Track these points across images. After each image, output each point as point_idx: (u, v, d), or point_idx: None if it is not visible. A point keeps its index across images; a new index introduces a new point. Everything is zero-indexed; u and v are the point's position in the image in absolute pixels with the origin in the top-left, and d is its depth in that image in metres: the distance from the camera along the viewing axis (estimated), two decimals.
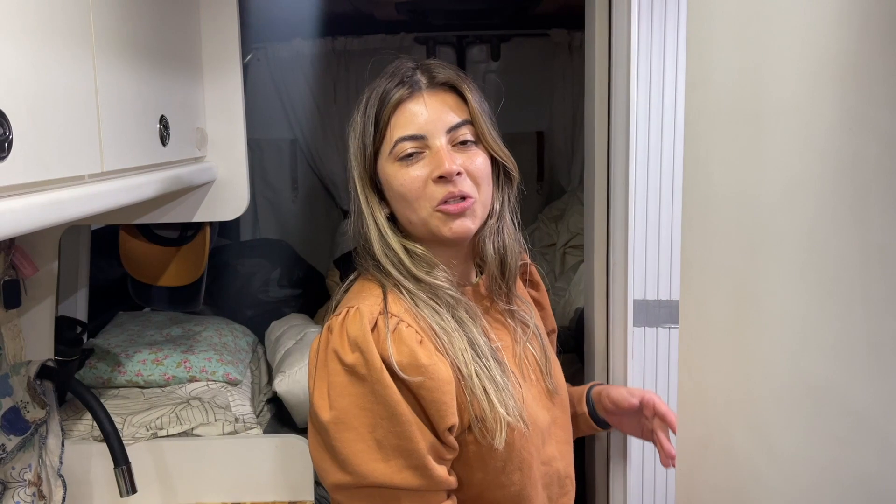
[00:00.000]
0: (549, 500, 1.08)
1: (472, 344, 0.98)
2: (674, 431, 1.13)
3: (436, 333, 0.96)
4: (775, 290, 0.60)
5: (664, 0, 1.18)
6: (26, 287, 1.33)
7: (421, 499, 0.94)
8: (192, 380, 1.61)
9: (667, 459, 1.16)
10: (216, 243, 2.50)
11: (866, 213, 0.51)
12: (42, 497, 1.29)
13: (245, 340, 1.90)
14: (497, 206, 1.06)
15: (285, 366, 1.68)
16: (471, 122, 1.02)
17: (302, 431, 1.63)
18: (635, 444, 1.33)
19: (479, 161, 1.01)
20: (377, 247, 1.02)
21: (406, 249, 1.02)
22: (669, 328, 1.29)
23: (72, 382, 1.22)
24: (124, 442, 1.35)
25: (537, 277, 1.22)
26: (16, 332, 1.33)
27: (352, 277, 1.08)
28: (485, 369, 0.97)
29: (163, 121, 1.11)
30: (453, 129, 1.00)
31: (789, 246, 0.58)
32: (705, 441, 0.76)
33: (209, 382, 1.62)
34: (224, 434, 1.45)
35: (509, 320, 1.10)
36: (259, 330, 2.00)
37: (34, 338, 1.36)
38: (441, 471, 0.95)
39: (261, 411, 1.74)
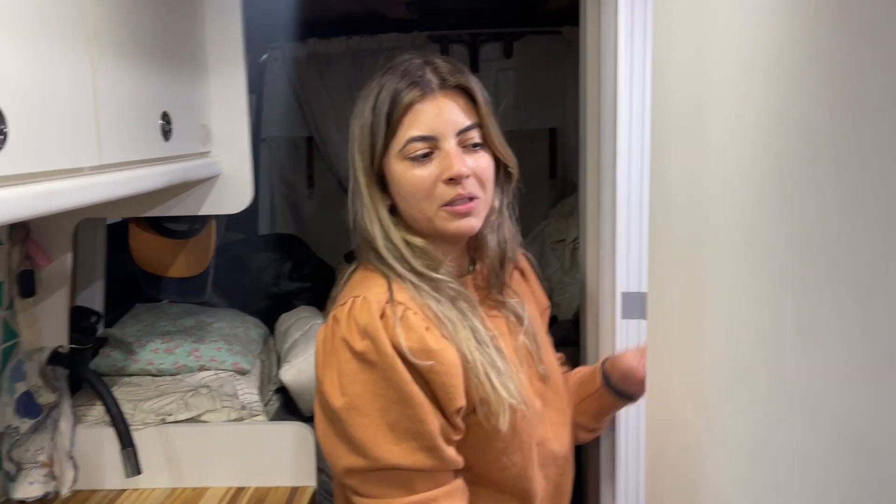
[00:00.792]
0: (545, 479, 1.11)
1: (474, 332, 1.02)
2: None
3: (440, 321, 1.00)
4: (718, 278, 0.63)
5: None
6: (41, 277, 1.40)
7: (432, 479, 0.98)
8: (201, 368, 1.67)
9: None
10: (230, 237, 2.56)
11: (793, 201, 0.53)
12: (54, 478, 1.35)
13: (257, 332, 1.95)
14: (497, 203, 1.10)
15: (291, 356, 1.73)
16: (480, 125, 1.05)
17: (308, 420, 1.68)
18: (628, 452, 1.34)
19: (484, 163, 1.05)
20: (380, 241, 1.05)
21: (408, 243, 1.05)
22: None
23: (82, 368, 1.28)
24: (135, 427, 1.41)
25: (524, 264, 1.26)
26: (32, 321, 1.39)
27: (352, 268, 1.12)
28: (487, 356, 1.01)
29: (165, 116, 1.16)
30: (463, 131, 1.03)
31: (729, 235, 0.61)
32: (667, 425, 0.78)
33: (218, 371, 1.67)
34: (230, 421, 1.50)
35: (503, 310, 1.14)
36: (271, 322, 2.05)
37: (50, 326, 1.43)
38: (451, 451, 0.99)
39: (269, 400, 1.79)
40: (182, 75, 1.27)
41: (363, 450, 0.96)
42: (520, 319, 1.14)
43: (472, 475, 1.05)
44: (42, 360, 1.29)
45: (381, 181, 1.08)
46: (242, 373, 1.71)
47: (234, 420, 1.51)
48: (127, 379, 1.64)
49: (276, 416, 1.75)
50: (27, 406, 1.29)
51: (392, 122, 1.03)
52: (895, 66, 0.40)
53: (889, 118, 0.41)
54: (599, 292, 1.34)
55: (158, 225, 1.49)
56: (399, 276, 1.03)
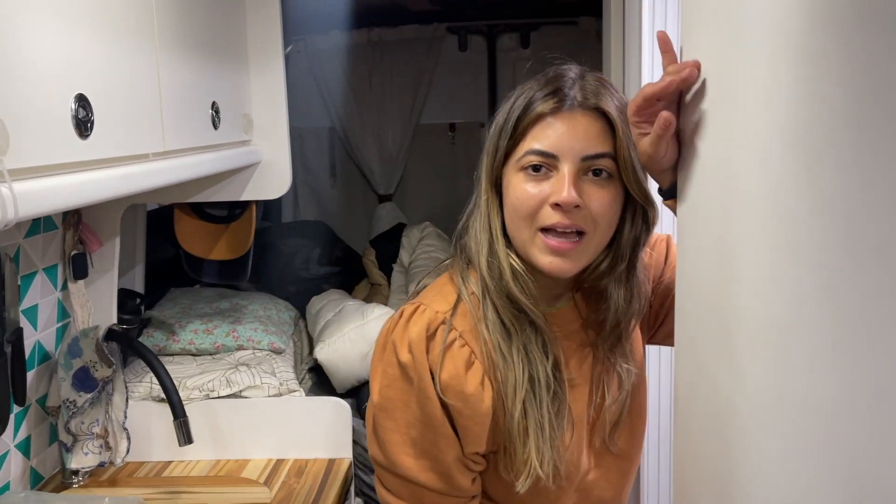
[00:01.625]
0: None
1: (531, 380, 0.96)
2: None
3: (495, 361, 0.96)
4: (746, 246, 0.69)
5: None
6: (92, 260, 1.48)
7: (442, 500, 0.99)
8: (239, 348, 1.75)
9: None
10: (259, 226, 2.65)
11: (818, 175, 0.60)
12: (108, 448, 1.43)
13: (288, 314, 2.03)
14: (627, 252, 0.99)
15: (325, 335, 1.80)
16: (613, 155, 0.94)
17: (341, 396, 1.76)
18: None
19: (607, 198, 0.94)
20: (483, 256, 0.98)
21: (511, 265, 0.97)
22: None
23: (135, 344, 1.36)
24: None
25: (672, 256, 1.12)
26: (84, 301, 1.47)
27: (445, 261, 1.08)
28: (534, 414, 0.95)
29: (214, 106, 1.23)
30: (589, 158, 0.93)
31: (757, 206, 0.67)
32: (695, 386, 0.85)
33: (255, 350, 1.75)
34: (270, 396, 1.57)
35: (602, 363, 1.04)
36: (300, 305, 2.13)
37: (99, 306, 1.50)
38: (464, 480, 0.99)
39: (302, 378, 1.87)
40: (227, 67, 1.34)
41: (385, 450, 0.99)
42: (618, 385, 1.03)
43: (496, 501, 1.05)
44: (99, 337, 1.36)
45: (499, 190, 1.00)
46: (278, 352, 1.79)
47: (274, 396, 1.58)
48: (169, 358, 1.72)
49: (310, 394, 1.83)
50: (83, 381, 1.37)
51: (518, 130, 0.96)
52: None
53: None
54: None
55: (201, 210, 1.56)
56: (479, 297, 0.97)
